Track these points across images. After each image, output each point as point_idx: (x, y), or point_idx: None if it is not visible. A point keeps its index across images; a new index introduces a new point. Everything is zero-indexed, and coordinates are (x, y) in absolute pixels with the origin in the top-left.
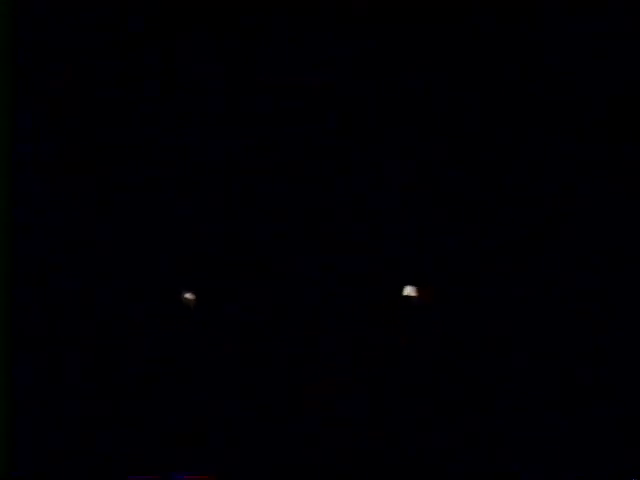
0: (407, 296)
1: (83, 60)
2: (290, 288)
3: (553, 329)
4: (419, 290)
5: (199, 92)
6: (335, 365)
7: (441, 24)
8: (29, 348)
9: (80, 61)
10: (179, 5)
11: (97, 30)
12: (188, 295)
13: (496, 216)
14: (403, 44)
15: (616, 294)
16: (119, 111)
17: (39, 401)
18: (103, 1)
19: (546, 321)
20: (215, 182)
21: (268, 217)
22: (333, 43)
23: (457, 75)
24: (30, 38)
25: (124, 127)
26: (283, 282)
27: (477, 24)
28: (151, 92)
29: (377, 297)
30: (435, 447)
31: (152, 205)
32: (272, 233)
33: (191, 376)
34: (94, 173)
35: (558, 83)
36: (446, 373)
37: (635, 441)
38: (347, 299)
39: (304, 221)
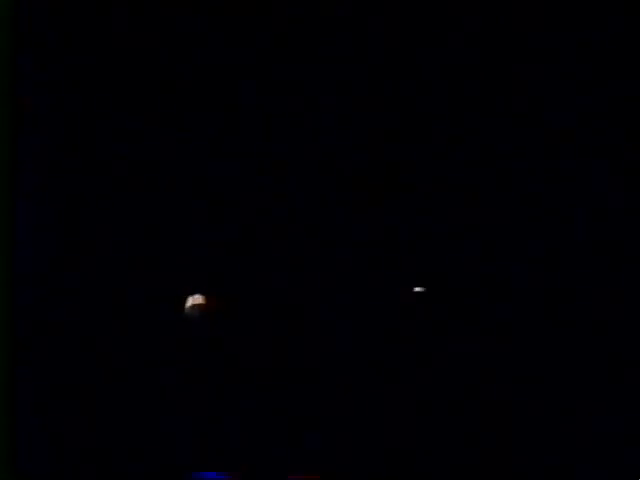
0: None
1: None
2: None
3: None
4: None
5: (203, 97)
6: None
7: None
8: (30, 347)
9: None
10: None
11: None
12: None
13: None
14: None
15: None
16: (119, 110)
17: (40, 401)
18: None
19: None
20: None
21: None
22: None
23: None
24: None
25: (125, 127)
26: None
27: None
28: (151, 91)
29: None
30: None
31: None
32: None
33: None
34: (98, 172)
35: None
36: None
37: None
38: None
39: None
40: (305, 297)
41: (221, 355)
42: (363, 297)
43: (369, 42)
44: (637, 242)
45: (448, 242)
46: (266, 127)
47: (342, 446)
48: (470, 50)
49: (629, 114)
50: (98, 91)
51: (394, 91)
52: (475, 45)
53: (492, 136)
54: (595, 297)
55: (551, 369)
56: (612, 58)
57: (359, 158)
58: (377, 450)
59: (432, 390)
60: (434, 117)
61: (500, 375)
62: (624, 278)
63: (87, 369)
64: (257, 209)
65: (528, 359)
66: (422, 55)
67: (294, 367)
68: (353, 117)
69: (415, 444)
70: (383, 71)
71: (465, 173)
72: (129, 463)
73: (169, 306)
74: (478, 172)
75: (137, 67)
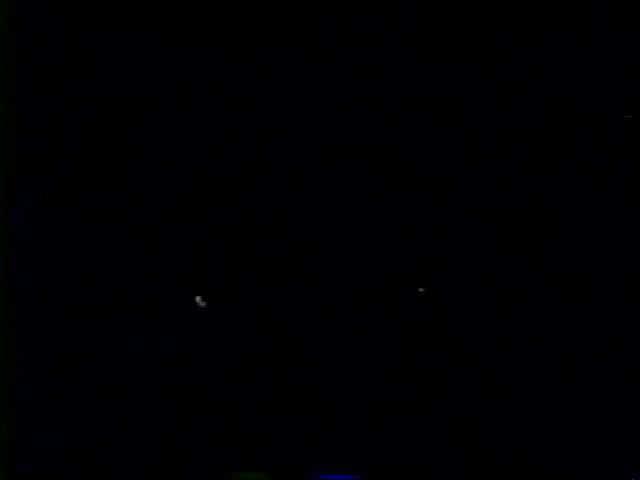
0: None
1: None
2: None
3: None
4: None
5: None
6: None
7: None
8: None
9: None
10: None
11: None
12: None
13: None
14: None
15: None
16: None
17: (40, 401)
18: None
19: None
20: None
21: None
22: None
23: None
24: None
25: (124, 127)
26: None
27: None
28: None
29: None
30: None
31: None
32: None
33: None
34: (98, 170)
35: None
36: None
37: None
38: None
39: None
40: (305, 297)
41: (221, 355)
42: (363, 297)
43: (369, 42)
44: (637, 242)
45: (448, 242)
46: (266, 127)
47: (342, 445)
48: (472, 50)
49: (629, 114)
50: (98, 91)
51: (394, 91)
52: (477, 45)
53: (492, 136)
54: (595, 297)
55: (551, 369)
56: (612, 58)
57: (359, 158)
58: (377, 449)
59: (432, 390)
60: (434, 117)
61: (500, 375)
62: (624, 278)
63: (87, 369)
64: (257, 209)
65: (528, 359)
66: (422, 55)
67: (294, 367)
68: (353, 117)
69: (415, 444)
70: (383, 71)
71: (465, 173)
72: (129, 463)
73: (169, 306)
74: (478, 172)
75: (137, 67)
